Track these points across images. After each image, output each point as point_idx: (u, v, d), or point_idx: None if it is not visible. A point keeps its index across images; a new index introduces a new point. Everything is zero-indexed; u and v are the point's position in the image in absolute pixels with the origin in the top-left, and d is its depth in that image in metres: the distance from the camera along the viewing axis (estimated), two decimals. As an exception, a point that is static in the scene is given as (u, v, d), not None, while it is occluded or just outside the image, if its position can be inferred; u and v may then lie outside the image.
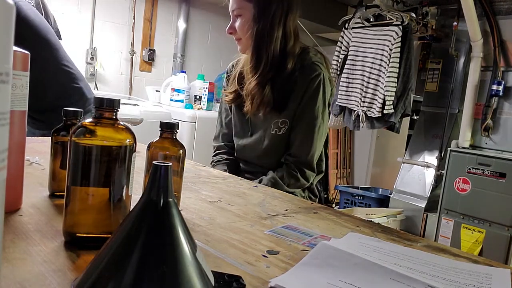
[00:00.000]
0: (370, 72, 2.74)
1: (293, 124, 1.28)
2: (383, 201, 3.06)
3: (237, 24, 1.26)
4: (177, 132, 0.69)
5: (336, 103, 2.92)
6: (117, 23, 3.41)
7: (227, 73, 1.45)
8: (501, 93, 2.53)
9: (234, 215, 0.73)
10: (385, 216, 2.70)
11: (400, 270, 0.52)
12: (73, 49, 2.99)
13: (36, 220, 0.58)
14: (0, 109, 0.28)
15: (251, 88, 1.25)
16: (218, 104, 1.66)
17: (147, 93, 3.52)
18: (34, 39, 1.45)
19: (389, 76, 2.61)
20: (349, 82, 2.87)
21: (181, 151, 0.68)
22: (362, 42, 2.80)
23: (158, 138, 0.69)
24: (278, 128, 1.29)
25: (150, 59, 3.59)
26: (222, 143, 1.45)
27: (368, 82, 2.75)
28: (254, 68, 1.24)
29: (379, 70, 2.69)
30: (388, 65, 2.63)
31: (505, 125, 2.56)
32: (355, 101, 2.84)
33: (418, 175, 2.92)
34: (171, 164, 0.40)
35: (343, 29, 2.95)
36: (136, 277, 0.35)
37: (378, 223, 0.80)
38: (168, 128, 0.68)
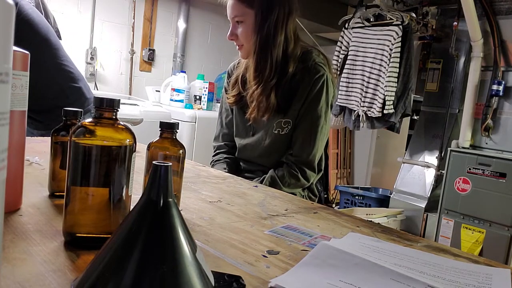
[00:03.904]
0: (370, 72, 2.74)
1: (295, 123, 1.28)
2: (383, 201, 3.06)
3: (239, 30, 1.25)
4: (177, 132, 0.69)
5: (336, 103, 2.92)
6: (117, 23, 3.41)
7: (228, 73, 1.45)
8: (501, 93, 2.53)
9: (234, 215, 0.73)
10: (385, 216, 2.70)
11: (400, 270, 0.52)
12: (73, 49, 2.99)
13: (36, 220, 0.58)
14: (0, 109, 0.28)
15: (257, 96, 1.24)
16: (218, 104, 1.66)
17: (147, 93, 3.52)
18: (35, 38, 1.45)
19: (389, 76, 2.61)
20: (349, 82, 2.87)
21: (181, 151, 0.68)
22: (362, 42, 2.80)
23: (158, 138, 0.69)
24: (281, 128, 1.29)
25: (150, 59, 3.59)
26: (222, 143, 1.45)
27: (368, 82, 2.75)
28: (259, 75, 1.23)
29: (379, 70, 2.69)
30: (388, 65, 2.63)
31: (505, 125, 2.56)
32: (355, 101, 2.84)
33: (418, 175, 2.92)
34: (171, 164, 0.40)
35: (343, 29, 2.95)
36: (136, 277, 0.35)
37: (378, 223, 0.80)
38: (168, 128, 0.68)
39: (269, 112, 1.25)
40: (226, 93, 1.42)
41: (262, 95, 1.23)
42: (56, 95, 1.54)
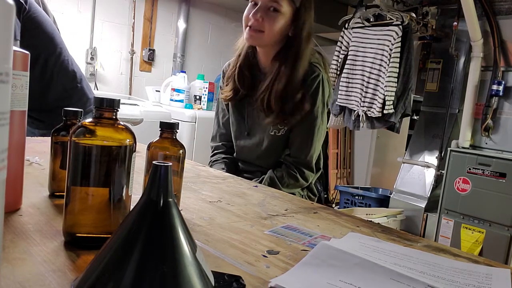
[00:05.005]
0: (370, 72, 2.74)
1: (292, 124, 1.28)
2: (383, 201, 3.05)
3: (269, 17, 1.19)
4: (177, 132, 0.69)
5: (336, 103, 2.92)
6: (117, 23, 3.41)
7: (223, 72, 1.44)
8: (501, 93, 2.53)
9: (234, 215, 0.73)
10: (385, 216, 2.70)
11: (400, 270, 0.52)
12: (73, 49, 2.98)
13: (36, 220, 0.58)
14: (0, 109, 0.28)
15: (277, 95, 1.22)
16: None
17: (147, 93, 3.52)
18: (41, 37, 1.45)
19: (389, 76, 2.61)
20: (349, 82, 2.87)
21: (181, 151, 0.68)
22: (362, 42, 2.80)
23: (158, 138, 0.69)
24: (277, 129, 1.29)
25: (150, 59, 3.59)
26: (220, 143, 1.45)
27: (368, 82, 2.75)
28: (284, 71, 1.22)
29: (379, 70, 2.69)
30: (388, 65, 2.63)
31: (505, 125, 2.56)
32: (355, 101, 2.84)
33: (418, 175, 2.92)
34: (171, 164, 0.40)
35: (343, 29, 2.94)
36: (136, 277, 0.35)
37: (378, 223, 0.80)
38: (168, 128, 0.68)
39: (272, 115, 1.26)
40: (221, 89, 1.41)
41: (280, 97, 1.23)
42: (58, 95, 1.54)
